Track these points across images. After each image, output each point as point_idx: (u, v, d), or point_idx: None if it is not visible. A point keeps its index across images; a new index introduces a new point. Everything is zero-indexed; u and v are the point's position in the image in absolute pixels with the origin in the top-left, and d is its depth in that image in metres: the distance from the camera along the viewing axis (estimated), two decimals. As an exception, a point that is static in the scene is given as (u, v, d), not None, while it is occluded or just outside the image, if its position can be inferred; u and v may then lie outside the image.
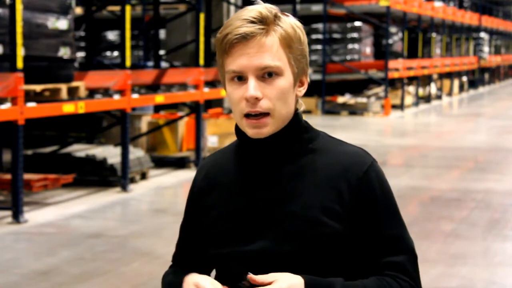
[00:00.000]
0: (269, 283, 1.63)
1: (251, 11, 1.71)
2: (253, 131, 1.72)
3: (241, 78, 1.72)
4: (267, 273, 1.66)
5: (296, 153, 1.78)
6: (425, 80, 24.01)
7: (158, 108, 12.08)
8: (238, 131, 1.78)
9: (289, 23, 1.74)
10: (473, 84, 31.43)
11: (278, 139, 1.75)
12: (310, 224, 1.71)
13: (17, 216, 6.91)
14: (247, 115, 1.71)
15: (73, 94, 8.07)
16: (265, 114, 1.71)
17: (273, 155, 1.77)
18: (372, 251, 1.73)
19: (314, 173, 1.75)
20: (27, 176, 7.55)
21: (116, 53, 16.70)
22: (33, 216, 7.18)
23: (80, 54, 12.66)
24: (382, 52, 20.19)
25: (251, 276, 1.62)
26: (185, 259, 1.91)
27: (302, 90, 1.80)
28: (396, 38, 21.57)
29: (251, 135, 1.73)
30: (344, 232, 1.71)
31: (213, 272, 1.86)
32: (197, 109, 10.12)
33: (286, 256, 1.70)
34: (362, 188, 1.73)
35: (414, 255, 1.76)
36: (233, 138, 1.83)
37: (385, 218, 1.74)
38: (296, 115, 1.78)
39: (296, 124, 1.78)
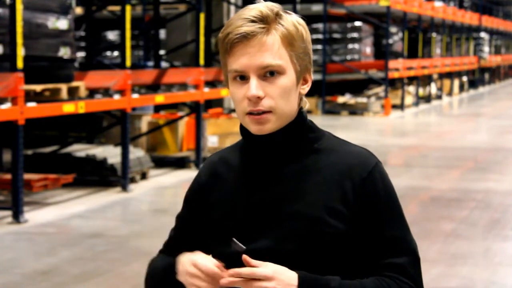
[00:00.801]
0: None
1: (251, 10, 1.71)
2: (255, 128, 1.72)
3: (243, 77, 1.72)
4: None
5: (301, 152, 1.78)
6: (425, 80, 24.00)
7: (158, 108, 12.08)
8: (243, 130, 1.78)
9: (291, 21, 1.74)
10: (473, 84, 31.43)
11: (282, 138, 1.75)
12: (313, 223, 1.70)
13: (17, 216, 6.91)
14: (250, 113, 1.71)
15: (73, 94, 8.06)
16: (267, 111, 1.71)
17: (277, 154, 1.77)
18: (374, 252, 1.73)
19: (318, 173, 1.75)
20: (27, 176, 7.55)
21: (116, 53, 16.69)
22: (33, 216, 7.18)
23: (80, 54, 12.65)
24: (382, 52, 20.18)
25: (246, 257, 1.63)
26: (179, 249, 1.84)
27: (306, 87, 1.79)
28: (396, 38, 21.57)
29: (254, 132, 1.74)
30: (347, 232, 1.71)
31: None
32: (197, 109, 10.11)
33: (288, 255, 1.70)
34: (366, 188, 1.73)
35: (416, 257, 1.76)
36: (233, 138, 1.83)
37: (388, 219, 1.74)
38: (301, 114, 1.78)
39: (300, 123, 1.78)
